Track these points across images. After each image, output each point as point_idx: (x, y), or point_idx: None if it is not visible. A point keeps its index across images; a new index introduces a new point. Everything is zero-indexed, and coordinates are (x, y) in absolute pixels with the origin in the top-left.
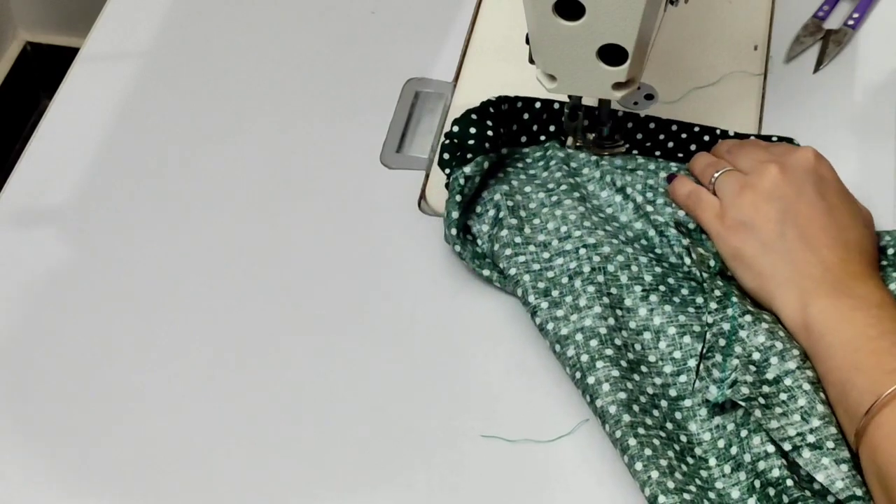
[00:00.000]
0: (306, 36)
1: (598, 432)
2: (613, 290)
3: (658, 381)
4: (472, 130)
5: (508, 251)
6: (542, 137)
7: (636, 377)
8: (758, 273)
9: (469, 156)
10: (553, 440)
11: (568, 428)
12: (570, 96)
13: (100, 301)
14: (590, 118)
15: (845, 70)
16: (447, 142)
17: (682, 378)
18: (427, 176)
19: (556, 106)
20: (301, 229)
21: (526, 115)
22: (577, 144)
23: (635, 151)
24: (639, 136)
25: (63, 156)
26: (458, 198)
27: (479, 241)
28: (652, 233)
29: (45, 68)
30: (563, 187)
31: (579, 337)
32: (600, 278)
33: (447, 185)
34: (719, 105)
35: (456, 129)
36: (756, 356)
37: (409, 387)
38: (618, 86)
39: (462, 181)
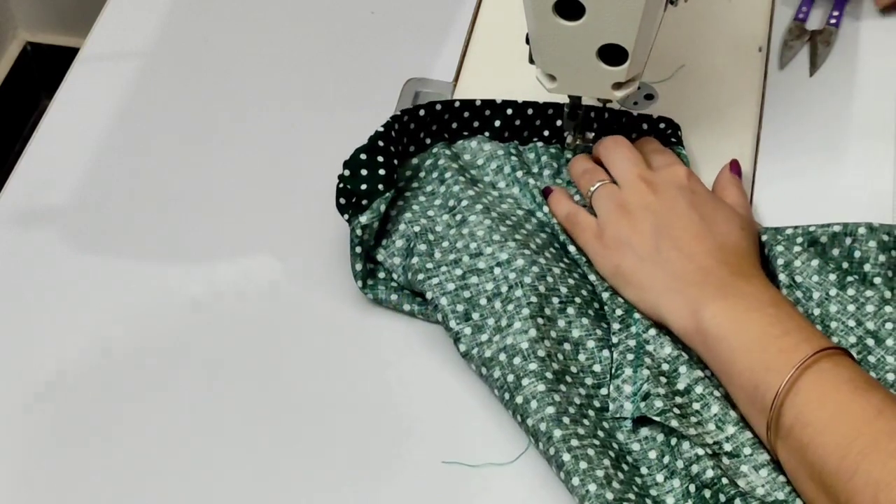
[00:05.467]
0: (306, 36)
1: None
2: (533, 299)
3: (582, 391)
4: (364, 172)
5: (421, 276)
6: (428, 141)
7: (562, 387)
8: (638, 286)
9: (364, 201)
10: (513, 461)
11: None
12: (570, 96)
13: (99, 301)
14: (559, 117)
15: (840, 69)
16: (340, 185)
17: (604, 391)
18: None
19: (438, 107)
20: (301, 229)
21: (412, 125)
22: (577, 143)
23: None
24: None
25: (63, 156)
26: (359, 249)
27: (395, 276)
28: (558, 228)
29: (45, 68)
30: (465, 203)
31: (503, 357)
32: (518, 293)
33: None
34: (719, 105)
35: (347, 172)
36: (665, 367)
37: (404, 389)
38: (618, 86)
39: (360, 232)
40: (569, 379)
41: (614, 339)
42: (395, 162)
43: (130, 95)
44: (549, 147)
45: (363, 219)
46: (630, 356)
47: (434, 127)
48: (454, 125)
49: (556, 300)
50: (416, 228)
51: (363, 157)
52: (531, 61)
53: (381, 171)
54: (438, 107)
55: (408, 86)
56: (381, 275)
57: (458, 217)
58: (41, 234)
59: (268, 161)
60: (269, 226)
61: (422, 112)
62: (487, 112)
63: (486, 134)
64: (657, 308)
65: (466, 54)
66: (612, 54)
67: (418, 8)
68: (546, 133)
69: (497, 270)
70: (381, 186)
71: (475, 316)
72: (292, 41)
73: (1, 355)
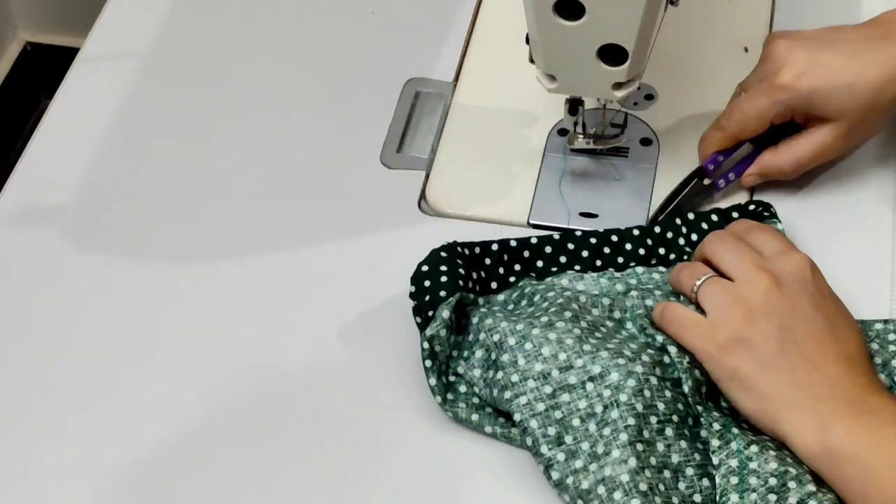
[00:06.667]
0: (306, 36)
1: None
2: (631, 421)
3: None
4: (427, 284)
5: (508, 394)
6: (512, 279)
7: None
8: (759, 395)
9: (430, 312)
10: None
11: None
12: (569, 95)
13: (100, 301)
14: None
15: None
16: (414, 289)
17: None
18: (427, 176)
19: (514, 244)
20: (301, 229)
21: (487, 260)
22: (578, 139)
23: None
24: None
25: (63, 156)
26: (429, 363)
27: (476, 389)
28: (650, 330)
29: (45, 68)
30: (553, 309)
31: (601, 490)
32: (614, 414)
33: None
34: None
35: (413, 288)
36: (773, 482)
37: (404, 389)
38: (618, 86)
39: (426, 345)
40: None
41: (714, 460)
42: (461, 271)
43: (130, 95)
44: (651, 271)
45: (428, 331)
46: (734, 479)
47: (505, 256)
48: (539, 263)
49: (654, 419)
50: (496, 337)
51: (425, 268)
52: (531, 61)
53: (444, 279)
54: (513, 243)
55: (408, 86)
56: (463, 388)
57: (545, 319)
58: (41, 234)
59: (268, 161)
60: (269, 225)
61: (477, 249)
62: (571, 245)
63: (577, 268)
64: (777, 423)
65: (466, 54)
66: (612, 54)
67: (418, 8)
68: (641, 252)
69: (590, 386)
70: (443, 293)
71: (568, 439)
72: (292, 41)
73: (1, 355)
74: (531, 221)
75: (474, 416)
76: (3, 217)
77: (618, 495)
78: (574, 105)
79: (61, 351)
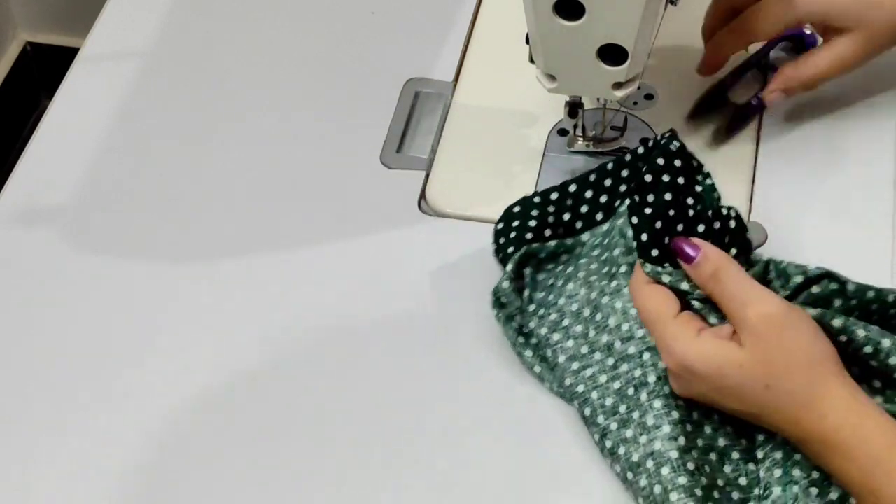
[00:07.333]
0: (306, 36)
1: None
2: (681, 402)
3: None
4: (515, 223)
5: (575, 364)
6: (599, 216)
7: None
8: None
9: (507, 252)
10: None
11: None
12: (569, 95)
13: (100, 301)
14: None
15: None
16: (499, 240)
17: None
18: (427, 176)
19: (593, 178)
20: (301, 229)
21: (569, 201)
22: (578, 141)
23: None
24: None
25: (63, 156)
26: (496, 311)
27: (538, 343)
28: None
29: (45, 68)
30: (623, 269)
31: (650, 464)
32: (667, 389)
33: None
34: None
35: (500, 224)
36: (815, 475)
37: (404, 390)
38: (618, 86)
39: (493, 298)
40: (716, 495)
41: (759, 453)
42: (532, 223)
43: (130, 95)
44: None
45: (504, 283)
46: (777, 472)
47: (594, 200)
48: (602, 198)
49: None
50: (574, 307)
51: (500, 226)
52: (531, 61)
53: (513, 234)
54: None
55: (408, 86)
56: (533, 340)
57: (614, 284)
58: (41, 234)
59: (268, 161)
60: (269, 225)
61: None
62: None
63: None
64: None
65: (466, 54)
66: (612, 54)
67: (418, 8)
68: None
69: (646, 356)
70: (511, 249)
71: (622, 408)
72: (292, 41)
73: (0, 355)
74: None
75: (537, 368)
76: (3, 217)
77: (665, 471)
78: (574, 108)
79: (61, 351)
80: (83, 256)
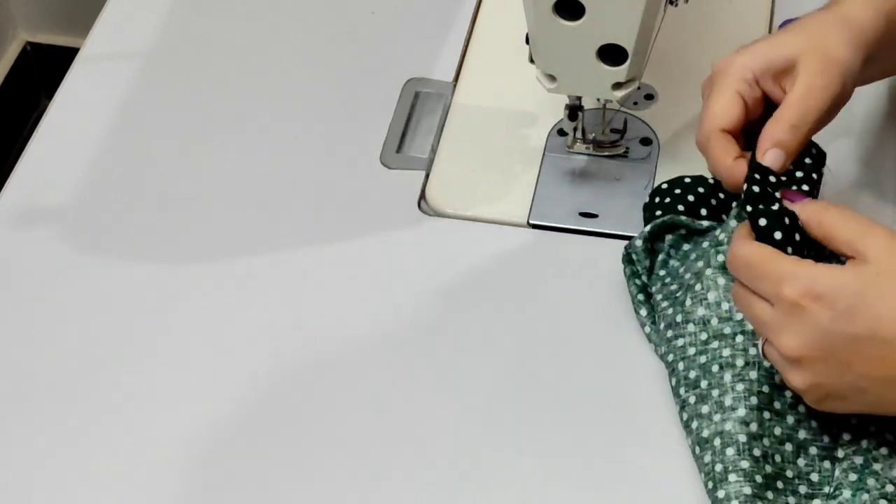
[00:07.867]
0: (306, 36)
1: None
2: (765, 389)
3: (792, 500)
4: (677, 191)
5: (670, 332)
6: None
7: (770, 494)
8: None
9: (655, 213)
10: None
11: None
12: (569, 96)
13: (100, 301)
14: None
15: None
16: (655, 199)
17: (816, 503)
18: (427, 176)
19: (713, 180)
20: (300, 229)
21: (722, 195)
22: (577, 145)
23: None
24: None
25: (63, 156)
26: (623, 265)
27: (653, 307)
28: None
29: (45, 68)
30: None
31: (717, 442)
32: (752, 374)
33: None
34: None
35: (665, 185)
36: (889, 489)
37: (403, 389)
38: (618, 86)
39: (624, 252)
40: (780, 485)
41: (840, 453)
42: (691, 198)
43: (130, 95)
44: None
45: (637, 241)
46: (853, 476)
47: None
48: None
49: (789, 393)
50: (688, 276)
51: (664, 185)
52: (531, 61)
53: (668, 200)
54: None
55: (408, 86)
56: (652, 302)
57: (720, 258)
58: (41, 234)
59: (267, 161)
60: (269, 225)
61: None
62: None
63: None
64: None
65: (466, 54)
66: (612, 54)
67: (418, 8)
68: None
69: (739, 339)
70: (659, 213)
71: (703, 384)
72: (292, 41)
73: (1, 355)
74: (531, 221)
75: (647, 329)
76: (3, 217)
77: (730, 451)
78: (573, 111)
79: (61, 351)
80: (83, 256)
